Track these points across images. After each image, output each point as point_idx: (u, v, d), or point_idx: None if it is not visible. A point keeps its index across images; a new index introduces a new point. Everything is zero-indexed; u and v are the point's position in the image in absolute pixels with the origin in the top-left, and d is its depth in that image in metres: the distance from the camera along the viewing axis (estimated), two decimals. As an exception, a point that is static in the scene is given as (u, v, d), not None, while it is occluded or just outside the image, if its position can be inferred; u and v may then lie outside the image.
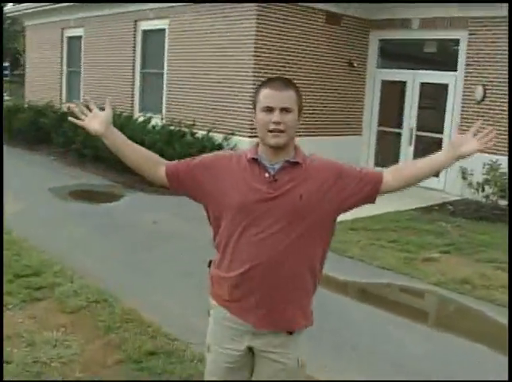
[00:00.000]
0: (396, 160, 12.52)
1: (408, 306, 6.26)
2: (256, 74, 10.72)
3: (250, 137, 10.84)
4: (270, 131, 2.40)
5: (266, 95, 2.41)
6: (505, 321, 5.57)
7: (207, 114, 11.59)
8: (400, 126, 12.47)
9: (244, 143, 10.79)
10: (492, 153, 10.44)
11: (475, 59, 10.83)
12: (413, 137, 12.15)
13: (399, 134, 12.51)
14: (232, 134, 10.95)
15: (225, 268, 2.53)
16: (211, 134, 10.93)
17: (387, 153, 12.95)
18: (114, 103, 13.74)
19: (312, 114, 11.79)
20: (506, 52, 10.36)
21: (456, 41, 11.26)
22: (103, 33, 14.61)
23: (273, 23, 10.84)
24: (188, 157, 2.65)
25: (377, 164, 12.85)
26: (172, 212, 8.99)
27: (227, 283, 2.52)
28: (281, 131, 2.39)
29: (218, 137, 10.92)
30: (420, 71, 12.06)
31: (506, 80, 10.42)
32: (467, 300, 6.04)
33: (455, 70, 11.24)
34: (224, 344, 2.58)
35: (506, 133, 10.47)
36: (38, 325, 4.70)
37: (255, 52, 10.66)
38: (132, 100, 13.81)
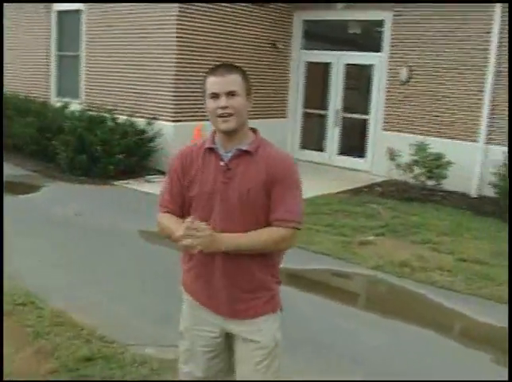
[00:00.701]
0: (322, 141, 12.48)
1: (352, 293, 6.16)
2: (179, 57, 10.32)
3: (173, 121, 10.47)
4: (219, 116, 2.45)
5: (211, 82, 2.46)
6: (446, 303, 5.55)
7: (128, 99, 11.07)
8: (325, 107, 12.38)
9: (168, 128, 10.42)
10: (417, 133, 10.60)
11: (400, 40, 10.84)
12: (339, 118, 12.09)
13: (325, 116, 12.42)
14: (155, 118, 10.51)
15: (186, 259, 2.63)
16: (133, 118, 10.45)
17: (313, 135, 12.87)
18: (28, 88, 13.00)
19: (238, 97, 11.50)
20: (431, 34, 10.42)
21: (381, 23, 11.23)
22: (16, 13, 13.69)
23: (196, 4, 10.43)
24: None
25: (303, 147, 12.75)
26: (95, 203, 8.54)
27: (189, 274, 2.64)
28: (230, 115, 2.44)
29: (140, 122, 10.46)
30: (345, 52, 11.99)
31: (431, 62, 10.49)
32: (407, 283, 5.99)
33: (380, 51, 11.21)
34: (201, 326, 2.65)
35: (431, 114, 10.58)
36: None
37: (178, 34, 10.23)
38: (47, 84, 13.06)
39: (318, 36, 12.53)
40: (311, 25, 12.44)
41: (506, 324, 5.08)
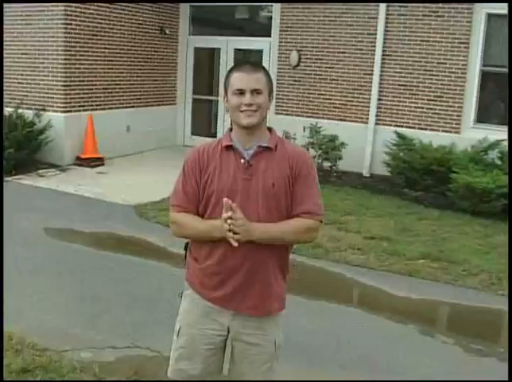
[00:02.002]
0: (213, 127, 12.48)
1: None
2: (67, 44, 9.87)
3: (63, 112, 10.04)
4: (242, 111, 2.48)
5: (237, 79, 2.50)
6: (364, 280, 5.78)
7: (13, 89, 10.45)
8: (216, 93, 12.36)
9: (58, 119, 9.98)
10: (309, 116, 10.87)
11: (289, 25, 11.00)
12: (230, 104, 12.10)
13: (216, 102, 12.41)
14: (43, 109, 10.03)
15: (203, 257, 2.58)
16: (20, 110, 9.89)
17: (204, 121, 12.84)
18: None
19: (126, 85, 11.23)
20: (319, 19, 10.65)
21: (269, 7, 11.33)
22: None
23: (80, -12, 10.02)
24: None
25: (194, 133, 12.69)
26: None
27: (203, 272, 2.59)
28: (254, 111, 2.48)
29: (28, 113, 9.93)
30: (234, 37, 12.01)
31: (319, 46, 10.75)
32: (324, 264, 6.16)
33: (270, 36, 11.32)
34: (203, 325, 2.62)
35: (321, 97, 10.86)
36: None
37: (65, 20, 9.77)
38: None
39: (206, 21, 12.45)
40: (198, 10, 12.32)
41: (422, 296, 5.39)
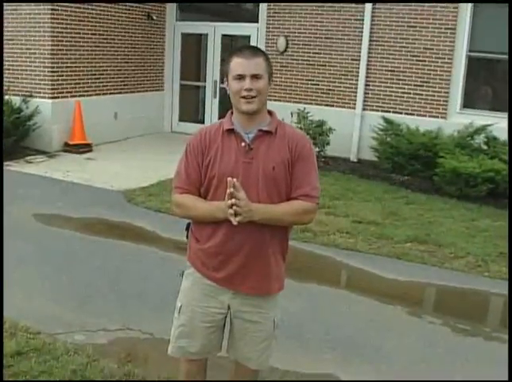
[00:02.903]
0: (201, 113, 12.47)
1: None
2: (54, 29, 9.81)
3: (51, 98, 9.99)
4: (243, 97, 2.52)
5: (237, 64, 2.53)
6: (353, 263, 5.85)
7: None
8: (203, 79, 12.35)
9: (46, 105, 9.93)
10: (297, 102, 10.90)
11: (276, 10, 10.99)
12: (218, 89, 12.12)
13: (203, 88, 12.40)
14: (30, 95, 9.98)
15: (205, 238, 2.64)
16: (7, 97, 9.84)
17: (192, 107, 12.83)
18: None
19: (114, 71, 11.19)
20: (306, 4, 10.65)
21: (256, -7, 11.34)
22: None
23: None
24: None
25: (181, 119, 12.67)
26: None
27: (205, 252, 2.65)
28: (253, 97, 2.52)
29: (16, 100, 9.88)
30: (221, 23, 11.99)
31: (307, 31, 10.76)
32: (313, 248, 6.22)
33: (257, 22, 11.31)
34: (204, 303, 2.69)
35: (309, 83, 10.88)
36: None
37: (51, 6, 9.70)
38: None
39: (193, 7, 12.39)
40: (185, -4, 12.28)
41: (410, 278, 5.47)
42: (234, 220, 2.41)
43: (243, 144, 2.56)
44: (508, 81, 9.20)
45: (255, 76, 2.50)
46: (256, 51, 2.59)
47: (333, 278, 5.69)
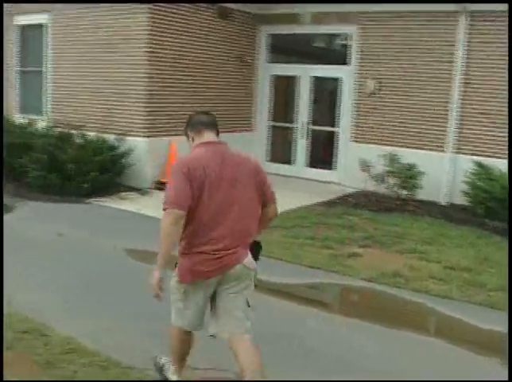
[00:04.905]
0: (290, 154, 12.56)
1: (353, 306, 6.21)
2: (149, 71, 10.24)
3: (146, 136, 10.37)
4: None
5: None
6: (444, 310, 5.67)
7: (97, 115, 10.90)
8: (293, 120, 12.48)
9: (140, 143, 10.31)
10: (386, 144, 10.81)
11: (366, 53, 11.03)
12: (307, 131, 12.20)
13: (292, 129, 12.52)
14: (125, 134, 10.39)
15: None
16: (103, 135, 10.28)
17: (281, 148, 12.94)
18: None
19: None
20: (396, 47, 10.65)
21: (347, 36, 11.43)
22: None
23: (165, 18, 10.37)
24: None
25: (270, 159, 12.76)
26: (74, 223, 8.34)
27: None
28: None
29: (111, 138, 10.31)
30: (312, 65, 12.14)
31: (397, 74, 10.72)
32: (404, 293, 6.07)
33: (347, 64, 11.38)
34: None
35: (399, 125, 10.79)
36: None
37: (149, 48, 10.16)
38: (9, 100, 12.72)
39: (284, 49, 12.63)
40: (277, 39, 12.51)
41: (506, 329, 5.24)
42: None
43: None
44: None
45: None
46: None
47: (423, 324, 5.53)
